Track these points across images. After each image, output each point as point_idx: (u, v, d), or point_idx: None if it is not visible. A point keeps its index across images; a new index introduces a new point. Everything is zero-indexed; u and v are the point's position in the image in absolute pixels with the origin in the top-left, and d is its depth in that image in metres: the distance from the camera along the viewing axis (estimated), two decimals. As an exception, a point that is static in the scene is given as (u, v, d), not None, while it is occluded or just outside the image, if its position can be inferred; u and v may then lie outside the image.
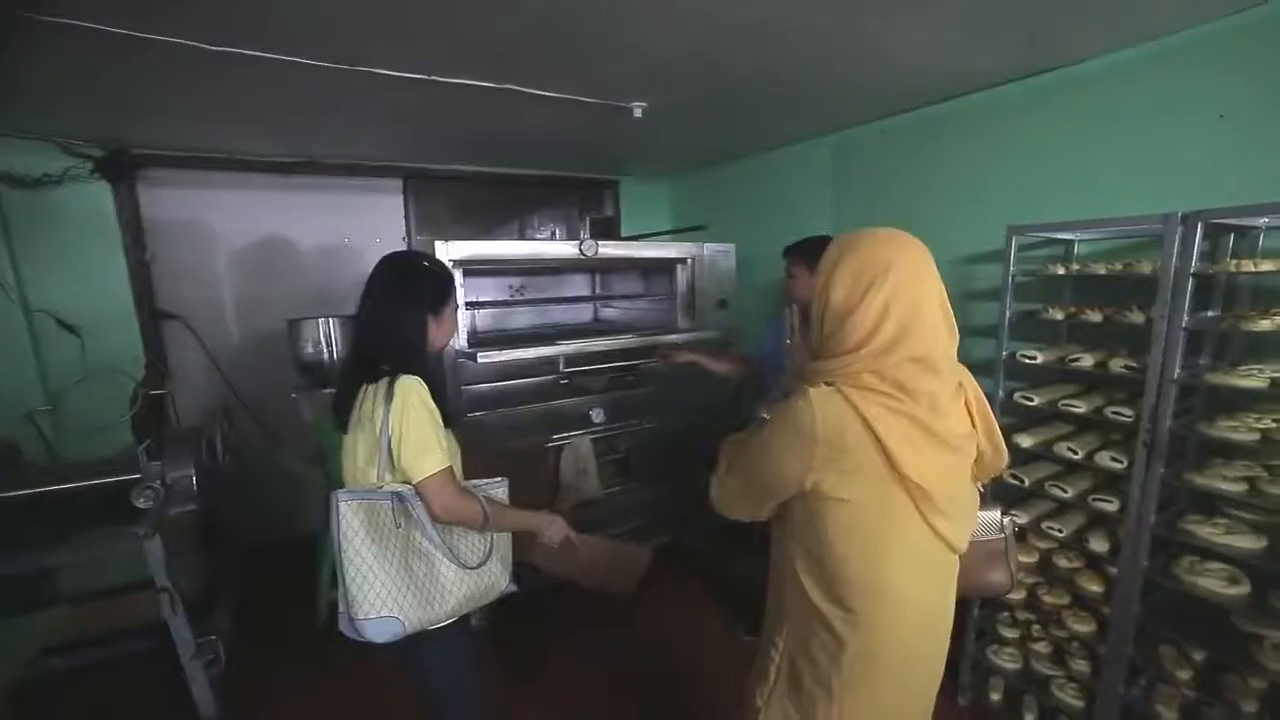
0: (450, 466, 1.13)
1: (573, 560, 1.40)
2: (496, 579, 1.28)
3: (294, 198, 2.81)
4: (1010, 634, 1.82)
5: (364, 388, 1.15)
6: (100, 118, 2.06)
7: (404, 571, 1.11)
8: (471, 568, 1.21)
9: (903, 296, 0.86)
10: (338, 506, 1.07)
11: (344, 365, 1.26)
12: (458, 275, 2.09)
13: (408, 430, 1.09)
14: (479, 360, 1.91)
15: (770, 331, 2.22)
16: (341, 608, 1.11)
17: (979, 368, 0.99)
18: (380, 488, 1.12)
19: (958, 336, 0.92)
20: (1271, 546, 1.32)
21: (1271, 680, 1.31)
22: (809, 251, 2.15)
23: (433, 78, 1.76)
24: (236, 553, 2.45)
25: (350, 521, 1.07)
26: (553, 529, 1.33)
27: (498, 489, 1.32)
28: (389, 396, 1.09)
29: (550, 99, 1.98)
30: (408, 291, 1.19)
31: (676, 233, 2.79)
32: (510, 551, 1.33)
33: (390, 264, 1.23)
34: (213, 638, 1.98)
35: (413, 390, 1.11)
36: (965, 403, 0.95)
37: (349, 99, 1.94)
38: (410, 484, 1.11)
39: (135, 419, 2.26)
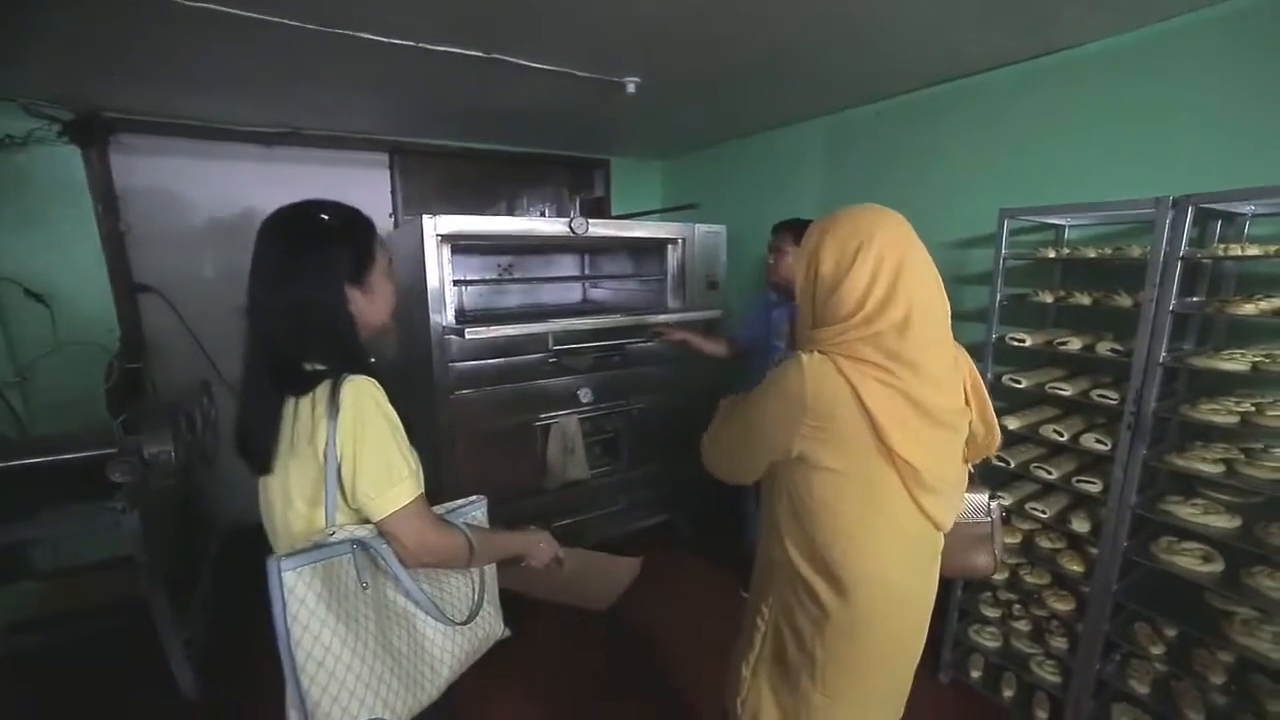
0: (423, 493, 0.88)
1: (555, 577, 1.20)
2: (491, 628, 1.03)
3: (276, 170, 2.73)
4: (992, 613, 1.85)
5: (289, 403, 0.84)
6: (67, 78, 1.96)
7: (383, 650, 0.83)
8: (463, 623, 0.94)
9: (888, 258, 0.87)
10: (279, 580, 0.74)
11: (247, 374, 0.88)
12: (445, 251, 2.05)
13: (365, 451, 0.81)
14: (467, 336, 1.88)
15: (755, 312, 2.22)
16: (294, 719, 0.79)
17: (969, 351, 1.00)
18: (332, 535, 0.81)
19: (948, 302, 0.93)
20: (1245, 526, 1.36)
21: (1239, 654, 1.35)
22: (798, 229, 2.14)
23: (420, 45, 1.71)
24: (218, 532, 2.41)
25: (303, 598, 0.75)
26: (542, 550, 1.11)
27: (476, 510, 1.06)
28: (334, 407, 0.80)
29: (541, 71, 1.94)
30: (311, 259, 0.86)
31: (667, 211, 2.77)
32: (497, 586, 1.09)
33: (279, 225, 0.88)
34: (193, 615, 1.96)
35: (366, 395, 0.82)
36: (962, 380, 0.95)
37: (333, 65, 1.88)
38: (371, 523, 0.84)
39: (110, 393, 2.19)
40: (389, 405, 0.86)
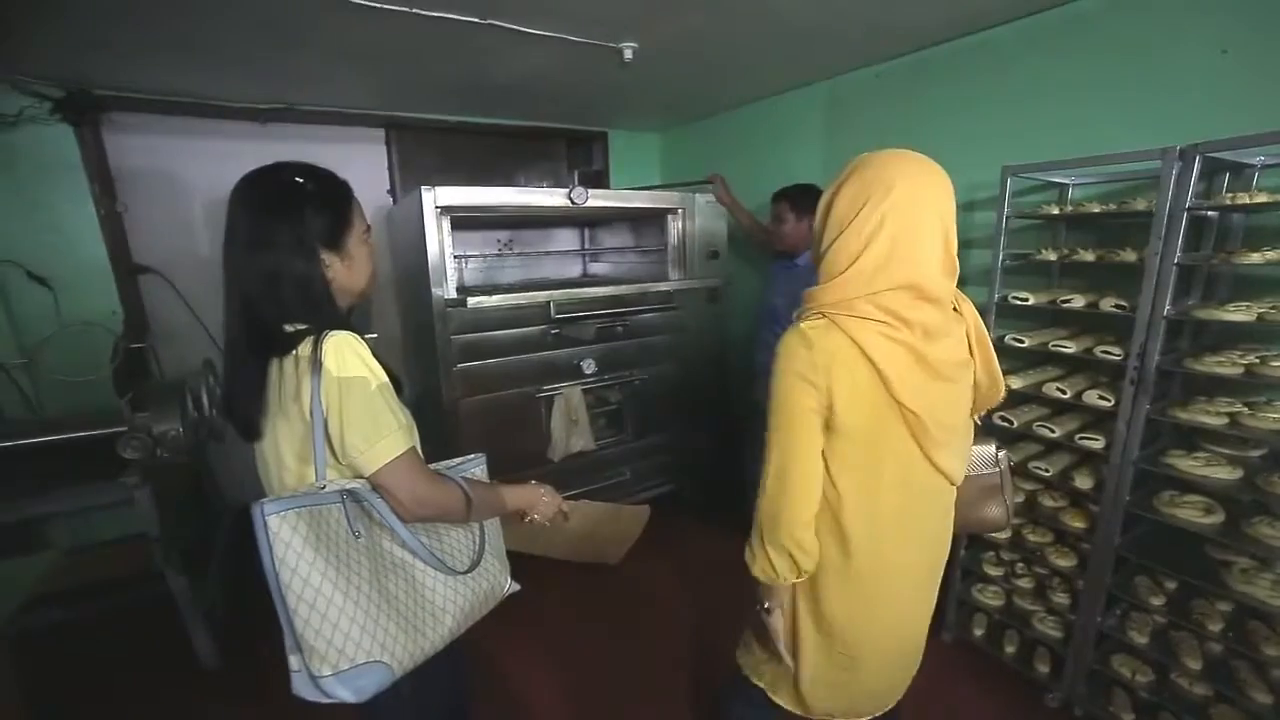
0: (414, 446, 0.88)
1: (559, 533, 1.18)
2: (496, 580, 1.03)
3: (271, 147, 2.70)
4: (995, 572, 1.88)
5: (273, 364, 0.85)
6: (57, 53, 1.93)
7: (378, 594, 0.83)
8: (463, 572, 0.95)
9: (899, 216, 0.83)
10: (263, 524, 0.75)
11: (228, 339, 0.89)
12: (445, 224, 2.04)
13: (350, 404, 0.80)
14: (469, 305, 1.87)
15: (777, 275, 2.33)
16: (294, 665, 0.80)
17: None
18: (322, 489, 0.82)
19: (957, 273, 0.90)
20: (1246, 477, 1.37)
21: (1237, 601, 1.37)
22: (797, 197, 2.17)
23: (414, 10, 1.67)
24: (232, 507, 2.44)
25: (289, 541, 0.76)
26: (545, 503, 1.10)
27: (475, 467, 1.06)
28: (316, 363, 0.80)
29: (537, 37, 1.90)
30: (285, 223, 0.85)
31: (678, 186, 2.74)
32: (503, 541, 1.10)
33: (252, 188, 0.87)
34: (210, 588, 2.00)
35: (349, 349, 0.82)
36: (965, 331, 0.95)
37: (325, 34, 1.85)
38: (364, 477, 0.84)
39: (116, 373, 2.20)
40: (373, 359, 0.85)
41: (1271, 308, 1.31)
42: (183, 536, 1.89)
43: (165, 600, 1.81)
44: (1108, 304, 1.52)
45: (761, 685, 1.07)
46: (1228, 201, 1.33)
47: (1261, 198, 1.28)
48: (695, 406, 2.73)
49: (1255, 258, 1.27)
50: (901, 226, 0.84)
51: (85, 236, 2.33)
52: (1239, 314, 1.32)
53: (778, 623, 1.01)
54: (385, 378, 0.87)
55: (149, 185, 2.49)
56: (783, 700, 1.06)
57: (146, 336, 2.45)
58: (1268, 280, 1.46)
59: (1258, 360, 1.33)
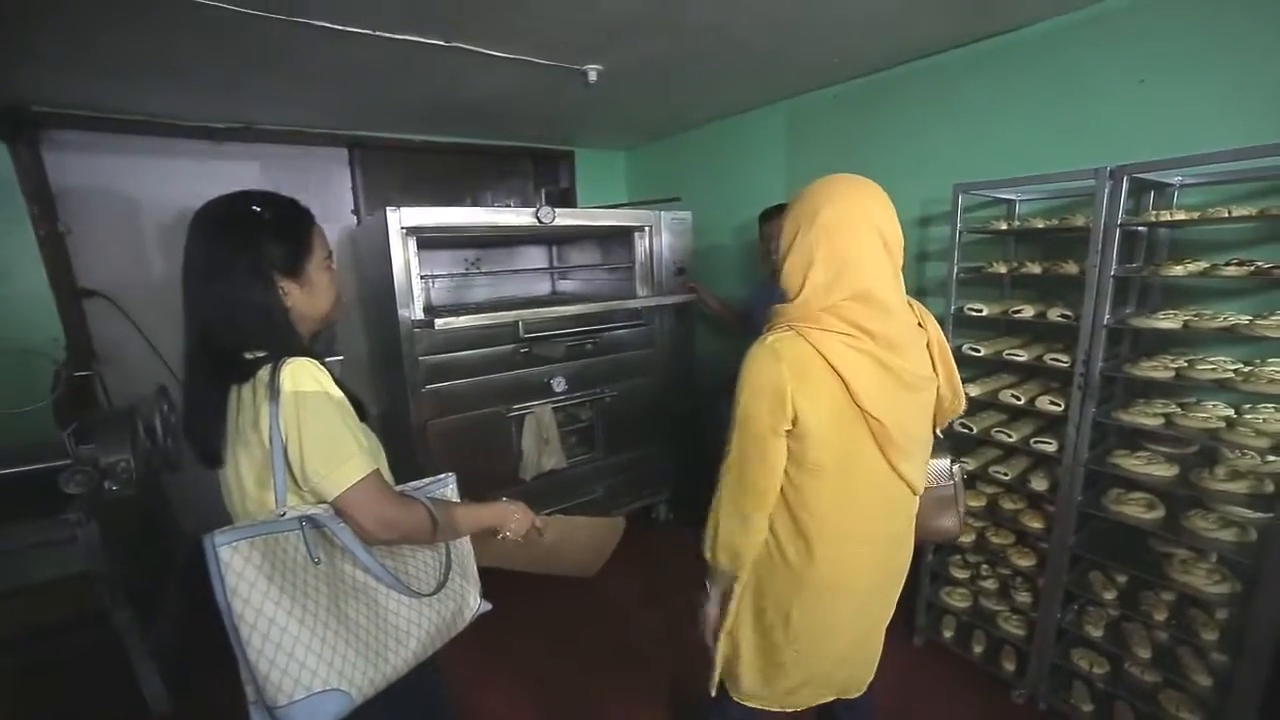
0: (378, 469, 0.87)
1: (534, 549, 1.17)
2: (464, 600, 1.02)
3: (229, 167, 2.62)
4: (961, 575, 1.93)
5: (233, 391, 0.85)
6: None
7: (336, 621, 0.81)
8: (429, 594, 0.94)
9: (831, 234, 0.90)
10: (215, 555, 0.74)
11: (188, 367, 0.89)
12: (411, 245, 2.02)
13: (309, 429, 0.80)
14: (436, 326, 1.85)
15: (756, 293, 2.30)
16: (250, 696, 0.79)
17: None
18: (282, 515, 0.81)
19: (901, 276, 0.96)
20: (1182, 474, 1.46)
21: (1178, 591, 1.46)
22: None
23: (378, 33, 1.67)
24: (185, 538, 2.33)
25: (240, 571, 0.74)
26: (517, 519, 1.08)
27: (444, 487, 1.06)
28: (274, 390, 0.80)
29: (502, 60, 1.92)
30: (241, 252, 0.85)
31: (648, 204, 2.77)
32: (473, 560, 1.09)
33: (209, 217, 0.87)
34: (160, 626, 1.89)
35: (306, 374, 0.82)
36: (928, 344, 0.99)
37: (285, 55, 1.82)
38: (326, 502, 0.83)
39: (58, 403, 2.07)
40: (332, 384, 0.85)
41: (1195, 315, 1.42)
42: (132, 573, 1.79)
43: (111, 642, 1.70)
44: (1055, 314, 1.61)
45: (745, 701, 1.10)
46: (1153, 218, 1.44)
47: (1180, 215, 1.40)
48: (666, 422, 2.75)
49: (1178, 270, 1.38)
50: (837, 244, 0.90)
51: (22, 259, 2.21)
52: (1167, 321, 1.42)
53: (713, 612, 1.10)
54: (345, 401, 0.87)
55: (96, 205, 2.39)
56: (762, 703, 1.09)
57: (93, 364, 2.32)
58: (1191, 290, 1.58)
59: (1186, 364, 1.44)
